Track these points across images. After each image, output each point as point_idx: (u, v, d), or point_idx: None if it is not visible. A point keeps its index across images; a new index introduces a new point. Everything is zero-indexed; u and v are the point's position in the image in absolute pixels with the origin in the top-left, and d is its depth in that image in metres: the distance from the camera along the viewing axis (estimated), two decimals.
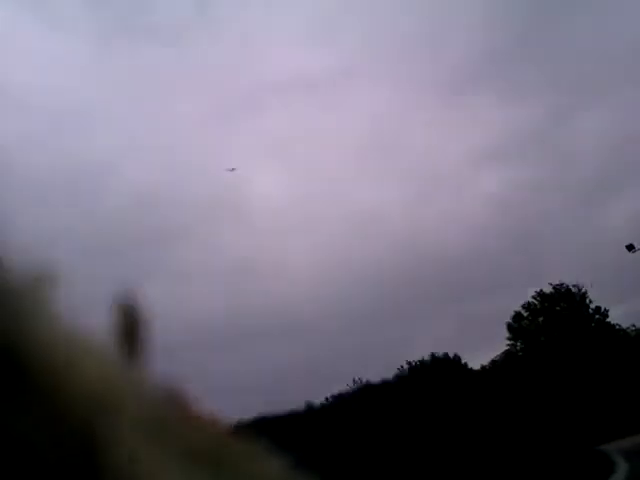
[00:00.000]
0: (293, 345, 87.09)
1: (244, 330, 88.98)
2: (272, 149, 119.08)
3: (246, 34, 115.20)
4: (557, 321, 62.74)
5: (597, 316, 63.84)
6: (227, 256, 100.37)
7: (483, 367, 65.70)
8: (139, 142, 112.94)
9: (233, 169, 77.24)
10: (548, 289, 65.04)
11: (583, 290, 64.39)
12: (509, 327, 66.49)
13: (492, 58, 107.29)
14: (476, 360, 69.29)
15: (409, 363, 68.92)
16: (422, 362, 68.12)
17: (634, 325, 65.03)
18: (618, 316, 64.92)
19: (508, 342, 66.03)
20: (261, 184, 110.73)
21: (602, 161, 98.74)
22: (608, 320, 64.26)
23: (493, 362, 65.42)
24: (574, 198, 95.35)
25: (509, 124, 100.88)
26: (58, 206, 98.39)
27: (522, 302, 66.00)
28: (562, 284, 64.80)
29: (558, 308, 64.13)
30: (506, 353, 65.41)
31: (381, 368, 72.45)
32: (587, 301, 64.15)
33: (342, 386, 70.94)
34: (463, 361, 67.38)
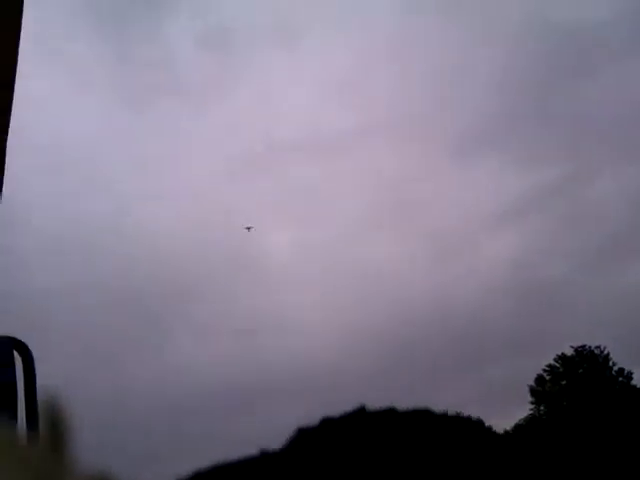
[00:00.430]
0: (311, 403, 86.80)
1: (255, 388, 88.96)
2: (287, 205, 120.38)
3: (265, 92, 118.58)
4: (580, 384, 62.30)
5: (620, 378, 63.30)
6: (238, 311, 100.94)
7: (506, 432, 65.26)
8: (157, 196, 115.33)
9: (250, 228, 77.52)
10: (570, 352, 64.63)
11: (605, 352, 64.01)
12: (532, 391, 66.02)
13: (508, 120, 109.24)
14: (499, 424, 68.85)
15: None
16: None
17: None
18: None
19: (531, 406, 65.42)
20: (276, 240, 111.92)
21: (622, 220, 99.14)
22: (633, 383, 63.66)
23: (517, 427, 64.95)
24: (594, 258, 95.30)
25: (526, 186, 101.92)
26: (76, 258, 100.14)
27: (544, 365, 65.67)
28: (584, 346, 64.52)
29: (581, 371, 63.63)
30: (530, 418, 64.87)
31: None
32: (610, 363, 63.69)
33: None
34: (486, 425, 67.15)
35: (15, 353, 2.51)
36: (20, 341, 2.54)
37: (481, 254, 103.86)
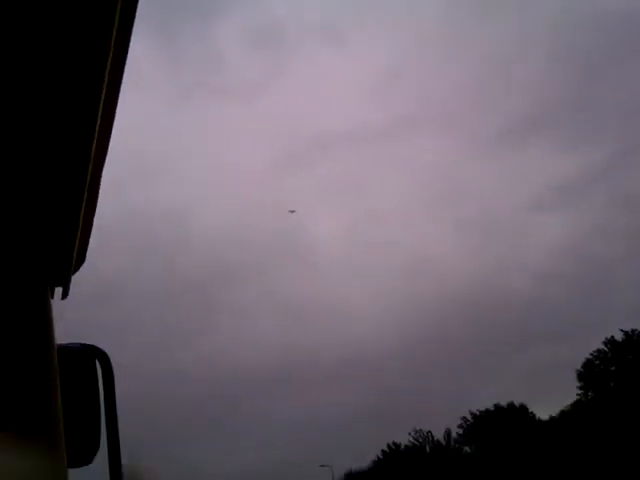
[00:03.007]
0: (357, 390, 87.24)
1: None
2: (334, 197, 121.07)
3: (312, 87, 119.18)
4: (630, 370, 60.43)
5: None
6: (287, 299, 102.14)
7: (552, 417, 64.03)
8: (211, 189, 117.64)
9: (293, 211, 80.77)
10: (619, 335, 62.73)
11: None
12: (580, 376, 64.52)
13: (553, 106, 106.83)
14: (544, 410, 67.73)
15: (473, 414, 67.99)
16: (487, 412, 67.06)
17: None
18: None
19: (579, 392, 63.94)
20: (323, 230, 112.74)
21: None
22: None
23: (562, 413, 63.65)
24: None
25: (571, 170, 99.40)
26: (138, 250, 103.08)
27: (592, 350, 64.07)
28: (634, 330, 62.51)
29: (630, 357, 61.72)
30: (576, 403, 63.40)
31: (445, 417, 71.72)
32: None
33: (401, 437, 70.58)
34: (530, 411, 66.08)
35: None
36: (100, 350, 2.58)
37: (528, 238, 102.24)
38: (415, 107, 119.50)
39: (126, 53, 1.53)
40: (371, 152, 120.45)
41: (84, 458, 2.48)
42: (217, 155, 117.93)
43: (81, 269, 2.43)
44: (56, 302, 2.24)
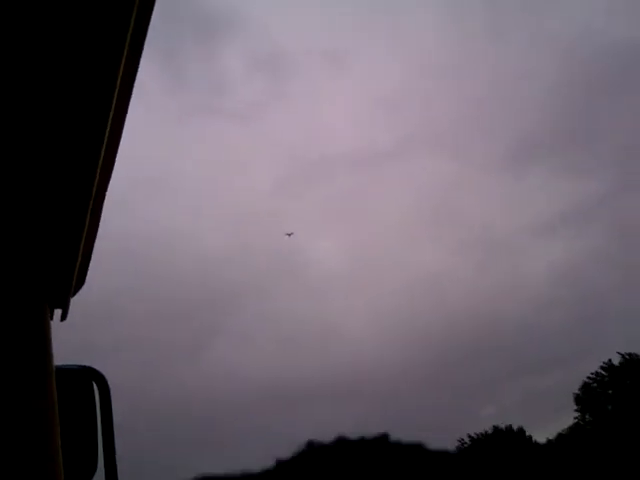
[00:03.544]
0: (353, 411, 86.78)
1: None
2: (333, 218, 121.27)
3: (313, 109, 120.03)
4: (627, 393, 60.25)
5: None
6: (285, 319, 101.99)
7: (549, 441, 63.72)
8: (209, 210, 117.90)
9: (290, 234, 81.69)
10: (616, 359, 62.68)
11: None
12: (577, 399, 64.28)
13: (556, 133, 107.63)
14: (542, 434, 67.41)
15: (470, 437, 67.59)
16: (485, 435, 66.70)
17: None
18: None
19: (576, 415, 63.72)
20: (322, 251, 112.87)
21: None
22: None
23: (560, 436, 63.37)
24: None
25: (572, 196, 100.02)
26: (133, 268, 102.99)
27: (588, 374, 63.95)
28: (631, 354, 62.43)
29: (628, 381, 61.56)
30: (574, 426, 63.17)
31: (439, 441, 71.30)
32: None
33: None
34: (527, 434, 65.76)
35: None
36: (97, 372, 2.60)
37: (528, 261, 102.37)
38: (416, 129, 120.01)
39: (135, 75, 1.55)
40: (371, 173, 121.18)
41: (81, 479, 2.48)
42: (216, 176, 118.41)
43: (80, 291, 2.45)
44: (55, 324, 2.26)
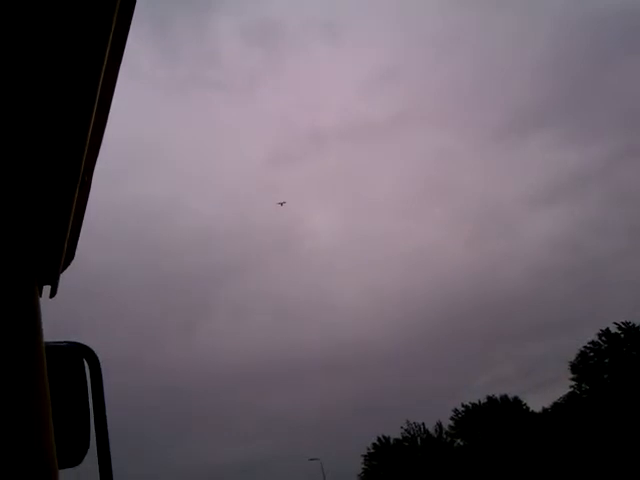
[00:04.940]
0: (340, 385, 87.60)
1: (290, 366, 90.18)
2: (327, 190, 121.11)
3: (308, 81, 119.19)
4: (624, 361, 60.82)
5: None
6: (279, 292, 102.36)
7: (545, 410, 64.48)
8: (202, 182, 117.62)
9: (282, 203, 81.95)
10: (614, 328, 63.15)
11: None
12: (573, 368, 64.86)
13: (553, 102, 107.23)
14: (537, 402, 68.27)
15: (465, 406, 68.34)
16: (480, 404, 67.45)
17: None
18: None
19: (572, 384, 64.35)
20: (316, 223, 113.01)
21: None
22: None
23: (555, 404, 64.08)
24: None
25: (569, 165, 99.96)
26: (127, 241, 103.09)
27: (585, 343, 64.52)
28: (628, 323, 62.90)
29: (625, 349, 62.12)
30: (570, 395, 63.82)
31: (434, 411, 72.11)
32: None
33: (393, 429, 71.06)
34: (523, 403, 66.51)
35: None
36: (88, 348, 2.55)
37: (525, 231, 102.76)
38: (412, 101, 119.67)
39: (123, 49, 1.52)
40: (367, 146, 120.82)
41: (74, 458, 2.48)
42: (209, 148, 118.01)
43: (70, 267, 2.42)
44: (44, 300, 2.24)
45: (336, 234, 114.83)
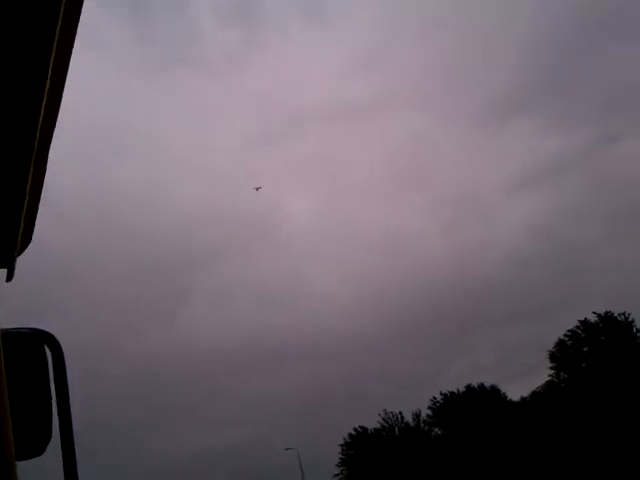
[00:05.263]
0: (317, 372, 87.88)
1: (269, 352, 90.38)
2: (304, 174, 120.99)
3: (287, 63, 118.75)
4: (602, 351, 61.52)
5: None
6: (257, 278, 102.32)
7: (523, 399, 65.11)
8: (180, 165, 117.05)
9: (259, 188, 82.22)
10: (592, 318, 63.82)
11: (630, 319, 62.95)
12: (552, 356, 65.50)
13: (532, 89, 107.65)
14: (515, 391, 68.87)
15: (443, 394, 68.89)
16: (458, 393, 68.01)
17: None
18: None
19: (550, 372, 65.01)
20: (295, 208, 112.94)
21: None
22: None
23: (534, 393, 64.69)
24: (618, 226, 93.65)
25: (548, 152, 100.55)
26: (105, 225, 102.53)
27: (564, 331, 65.14)
28: (607, 312, 63.57)
29: (603, 338, 62.81)
30: (548, 384, 64.48)
31: (412, 399, 72.55)
32: (634, 330, 62.72)
33: (371, 417, 71.48)
34: (501, 392, 67.13)
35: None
36: (50, 334, 2.49)
37: (504, 218, 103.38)
38: (389, 85, 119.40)
39: (78, 18, 1.45)
40: (345, 129, 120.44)
41: (35, 449, 2.41)
42: (186, 131, 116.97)
43: (27, 250, 2.34)
44: (0, 285, 2.16)
45: (314, 219, 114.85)
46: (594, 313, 64.48)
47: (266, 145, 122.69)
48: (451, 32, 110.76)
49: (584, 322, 65.16)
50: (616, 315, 64.17)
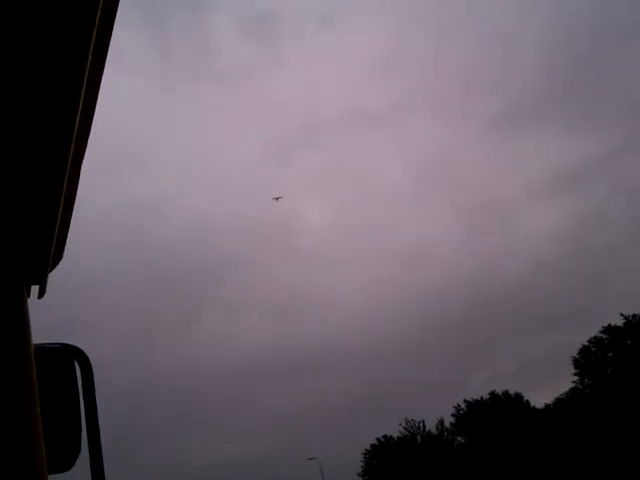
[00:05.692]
0: (348, 381, 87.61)
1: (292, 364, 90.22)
2: (323, 183, 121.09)
3: (306, 73, 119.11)
4: (628, 355, 60.78)
5: None
6: (277, 289, 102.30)
7: (547, 406, 64.53)
8: (200, 176, 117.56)
9: (278, 198, 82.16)
10: (619, 321, 63.11)
11: None
12: (576, 362, 64.85)
13: (555, 93, 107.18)
14: (539, 398, 68.28)
15: (467, 402, 68.44)
16: (482, 400, 67.54)
17: None
18: None
19: (574, 379, 64.39)
20: (315, 217, 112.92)
21: None
22: None
23: (558, 400, 64.13)
24: None
25: (572, 157, 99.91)
26: (122, 239, 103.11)
27: (587, 338, 64.50)
28: (634, 315, 62.76)
29: (629, 342, 62.07)
30: (572, 391, 63.87)
31: (435, 408, 72.13)
32: None
33: (393, 427, 71.07)
34: (525, 399, 66.60)
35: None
36: (79, 349, 2.53)
37: (527, 224, 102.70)
38: (408, 93, 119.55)
39: (108, 42, 1.48)
40: (366, 137, 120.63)
41: (65, 463, 2.45)
42: (204, 142, 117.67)
43: (58, 266, 2.38)
44: (32, 301, 2.20)
45: (333, 228, 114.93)
46: (621, 315, 63.70)
47: (283, 154, 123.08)
48: (468, 36, 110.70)
49: (608, 327, 64.47)
50: None
